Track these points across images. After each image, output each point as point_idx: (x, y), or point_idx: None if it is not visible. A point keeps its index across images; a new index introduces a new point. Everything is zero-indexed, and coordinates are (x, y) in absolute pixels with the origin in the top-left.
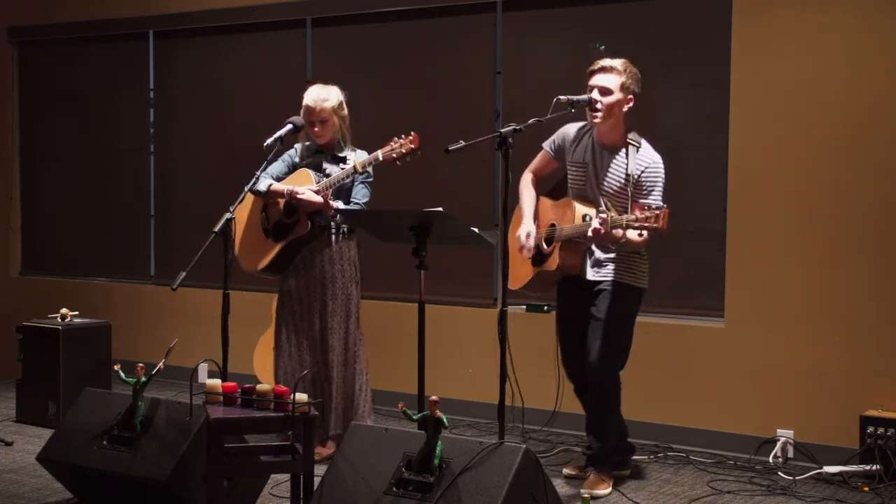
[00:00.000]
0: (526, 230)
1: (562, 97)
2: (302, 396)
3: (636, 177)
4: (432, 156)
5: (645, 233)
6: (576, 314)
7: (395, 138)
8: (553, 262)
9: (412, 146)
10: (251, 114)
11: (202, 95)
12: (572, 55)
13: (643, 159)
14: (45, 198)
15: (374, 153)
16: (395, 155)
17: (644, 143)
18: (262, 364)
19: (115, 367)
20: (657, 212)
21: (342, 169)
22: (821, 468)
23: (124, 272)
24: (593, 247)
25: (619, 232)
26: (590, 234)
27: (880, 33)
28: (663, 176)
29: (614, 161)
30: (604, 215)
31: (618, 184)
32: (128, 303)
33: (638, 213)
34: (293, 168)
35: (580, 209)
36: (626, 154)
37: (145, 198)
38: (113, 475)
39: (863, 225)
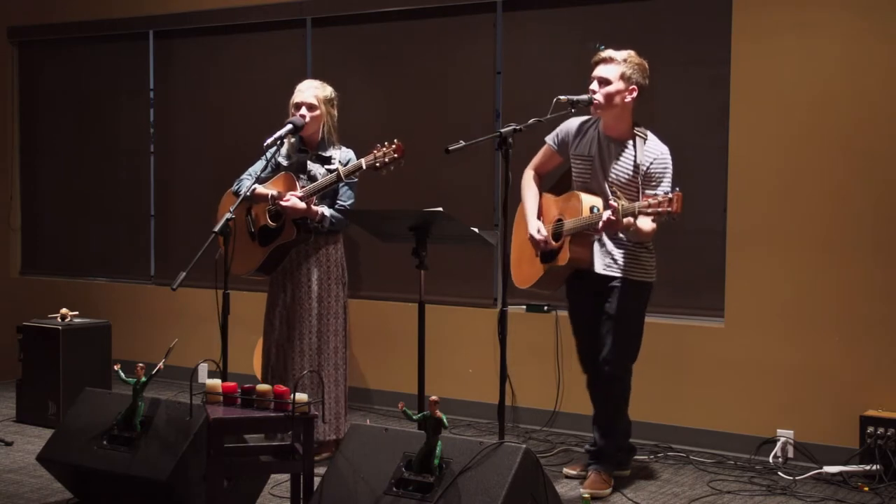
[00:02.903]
0: (535, 226)
1: (562, 97)
2: (302, 396)
3: (645, 168)
4: (432, 156)
5: (654, 223)
6: (586, 310)
7: (379, 145)
8: (564, 257)
9: (395, 155)
10: (251, 114)
11: (202, 95)
12: (572, 55)
13: (651, 150)
14: (45, 198)
15: (358, 161)
16: (378, 164)
17: (650, 134)
18: (262, 364)
19: (115, 367)
20: (670, 196)
21: (326, 169)
22: (821, 468)
23: (124, 272)
24: (603, 237)
25: (629, 219)
26: (601, 224)
27: (880, 31)
28: (671, 167)
29: (621, 152)
30: (615, 204)
31: (626, 175)
32: (128, 303)
33: (650, 200)
34: (277, 167)
35: (587, 201)
36: (634, 145)
37: (145, 198)
38: (113, 475)
39: (863, 224)
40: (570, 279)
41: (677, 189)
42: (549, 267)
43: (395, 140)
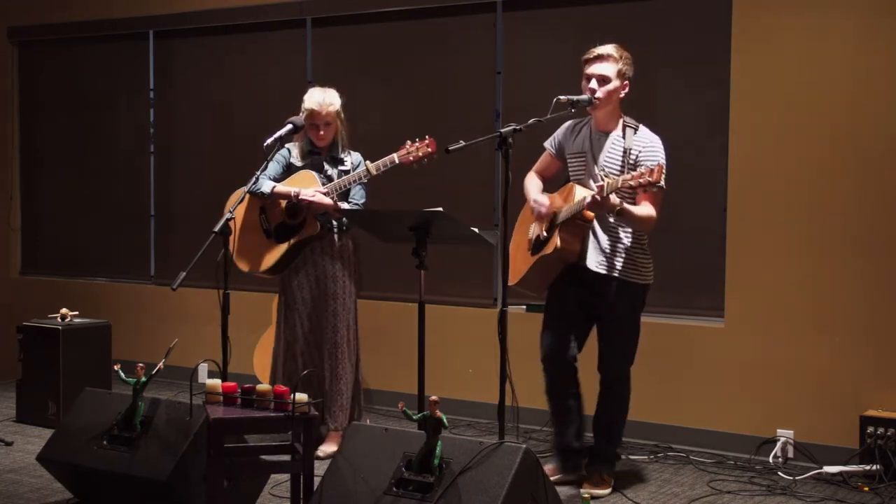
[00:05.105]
0: (535, 198)
1: (562, 97)
2: (302, 396)
3: (635, 155)
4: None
5: (650, 210)
6: (569, 305)
7: (410, 142)
8: (552, 245)
9: (429, 150)
10: (251, 114)
11: (202, 95)
12: (572, 55)
13: (641, 139)
14: (45, 198)
15: (391, 156)
16: (411, 158)
17: (641, 126)
18: (262, 364)
19: (115, 367)
20: (651, 167)
21: (339, 170)
22: (821, 468)
23: (124, 272)
24: (598, 231)
25: (616, 200)
26: (588, 199)
27: (880, 34)
28: (663, 154)
29: (611, 142)
30: (601, 183)
31: (617, 162)
32: (128, 303)
33: (633, 173)
34: (288, 168)
35: (580, 192)
36: (623, 135)
37: (145, 198)
38: (113, 475)
39: (863, 225)
40: (556, 282)
41: (659, 161)
42: (539, 258)
43: (427, 136)
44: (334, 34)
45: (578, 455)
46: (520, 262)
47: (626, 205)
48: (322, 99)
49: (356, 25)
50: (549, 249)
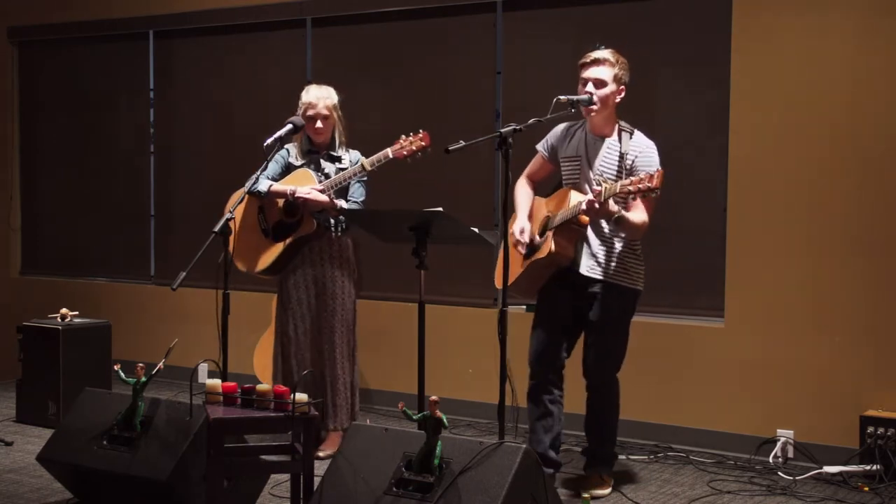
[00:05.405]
0: (520, 225)
1: (562, 97)
2: (302, 396)
3: (631, 160)
4: (432, 156)
5: (644, 216)
6: (561, 309)
7: (404, 136)
8: (546, 249)
9: (423, 143)
10: (251, 114)
11: (202, 95)
12: (572, 55)
13: (637, 144)
14: (45, 198)
15: (384, 151)
16: (405, 152)
17: (636, 131)
18: (261, 364)
19: (115, 367)
20: (651, 173)
21: (338, 168)
22: (821, 468)
23: (124, 272)
24: (590, 236)
25: (615, 207)
26: (584, 206)
27: (880, 34)
28: (657, 160)
29: (606, 147)
30: (598, 187)
31: (612, 167)
32: (128, 303)
33: (632, 178)
34: (287, 168)
35: (575, 197)
36: (619, 140)
37: (145, 198)
38: (113, 475)
39: (863, 225)
40: (548, 284)
41: (658, 168)
42: (531, 262)
43: (421, 130)
44: (334, 34)
45: (555, 467)
46: (512, 266)
47: (623, 212)
48: (319, 92)
49: (356, 25)
50: (543, 253)
